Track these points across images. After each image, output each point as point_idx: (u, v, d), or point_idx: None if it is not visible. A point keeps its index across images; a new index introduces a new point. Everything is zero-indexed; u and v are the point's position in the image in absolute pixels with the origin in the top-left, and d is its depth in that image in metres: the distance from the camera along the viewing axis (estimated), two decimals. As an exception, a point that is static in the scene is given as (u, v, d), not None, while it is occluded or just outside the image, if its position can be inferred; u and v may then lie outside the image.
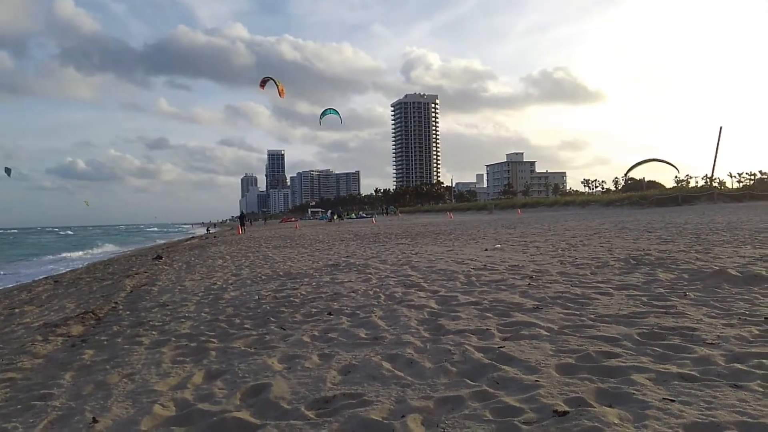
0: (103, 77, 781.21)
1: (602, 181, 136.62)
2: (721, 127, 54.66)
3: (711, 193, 47.35)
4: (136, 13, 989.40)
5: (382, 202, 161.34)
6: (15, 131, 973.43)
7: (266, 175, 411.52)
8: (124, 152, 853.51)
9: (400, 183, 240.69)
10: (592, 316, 4.66)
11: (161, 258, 17.76)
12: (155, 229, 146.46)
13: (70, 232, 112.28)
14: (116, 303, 7.85)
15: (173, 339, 4.99)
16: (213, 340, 4.84)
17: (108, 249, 40.34)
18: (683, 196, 47.11)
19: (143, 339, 5.10)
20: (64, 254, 34.56)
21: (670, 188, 59.86)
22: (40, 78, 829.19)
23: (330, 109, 37.91)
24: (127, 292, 9.11)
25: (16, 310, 8.67)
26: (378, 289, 6.93)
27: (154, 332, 5.39)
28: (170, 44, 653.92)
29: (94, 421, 3.00)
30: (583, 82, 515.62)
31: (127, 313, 6.82)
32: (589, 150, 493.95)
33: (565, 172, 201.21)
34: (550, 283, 6.56)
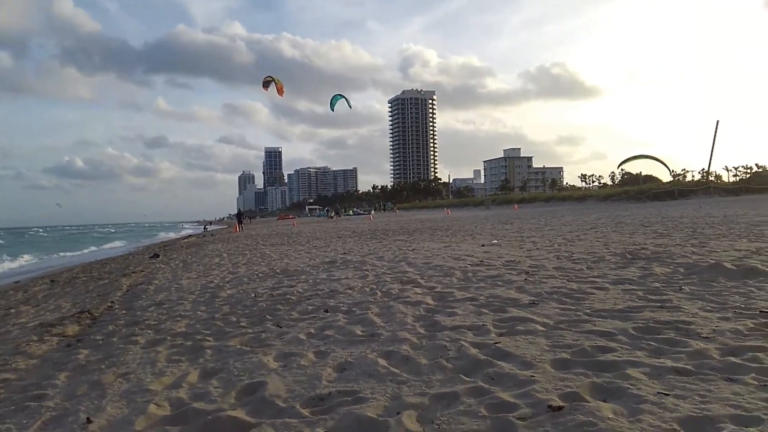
0: (103, 76, 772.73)
1: (599, 176, 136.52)
2: (717, 121, 54.93)
3: (707, 187, 47.52)
4: (129, 11, 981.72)
5: (380, 198, 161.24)
6: (13, 130, 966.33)
7: (264, 173, 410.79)
8: (122, 151, 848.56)
9: (398, 179, 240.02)
10: (588, 310, 4.67)
11: (158, 256, 17.72)
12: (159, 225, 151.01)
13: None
14: (112, 302, 7.83)
15: (169, 338, 4.97)
16: (209, 338, 4.83)
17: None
18: (680, 190, 47.28)
19: (139, 338, 5.08)
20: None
21: (667, 182, 59.98)
22: (40, 77, 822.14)
23: (338, 95, 37.38)
24: (123, 291, 9.09)
25: (12, 310, 8.63)
26: (375, 286, 6.92)
27: (149, 331, 5.38)
28: (170, 43, 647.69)
29: (89, 421, 2.99)
30: (580, 78, 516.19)
31: (123, 312, 6.81)
32: (586, 145, 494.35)
33: (562, 167, 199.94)
34: (546, 278, 6.56)
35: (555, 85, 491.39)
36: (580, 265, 7.53)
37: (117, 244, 42.43)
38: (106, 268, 15.57)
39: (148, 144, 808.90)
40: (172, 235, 58.36)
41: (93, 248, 36.78)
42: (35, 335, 5.80)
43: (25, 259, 27.44)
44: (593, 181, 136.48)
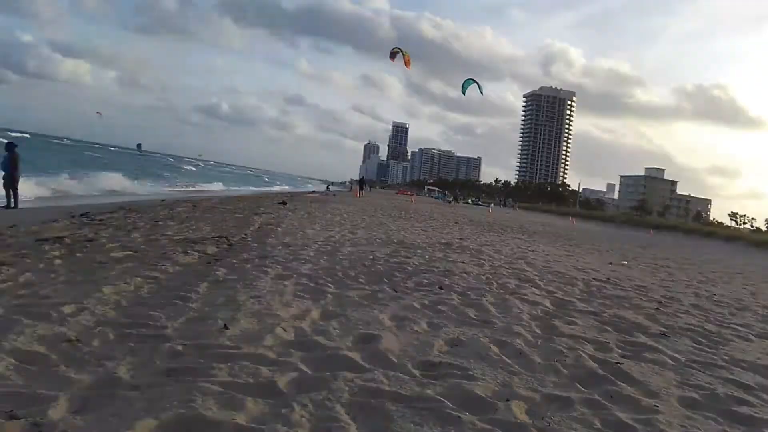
0: (255, 31, 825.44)
1: (752, 218, 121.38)
2: None
3: None
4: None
5: (502, 193, 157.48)
6: (172, 68, 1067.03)
7: (389, 146, 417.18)
8: (264, 102, 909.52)
9: (523, 177, 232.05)
10: (726, 357, 4.23)
11: (285, 204, 18.88)
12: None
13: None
14: (246, 234, 8.52)
15: (295, 276, 5.34)
16: (329, 285, 5.11)
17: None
18: None
19: (269, 270, 5.50)
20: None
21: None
22: (199, 24, 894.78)
23: (470, 79, 36.71)
24: (255, 228, 9.83)
25: (160, 223, 9.69)
26: (490, 276, 6.84)
27: (278, 266, 5.80)
28: (319, 9, 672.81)
29: (225, 327, 3.33)
30: (743, 105, 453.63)
31: (255, 245, 7.39)
32: (742, 180, 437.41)
33: (710, 200, 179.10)
34: (682, 313, 6.04)
35: (713, 107, 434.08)
36: (722, 308, 6.82)
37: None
38: (240, 205, 16.91)
39: (288, 100, 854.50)
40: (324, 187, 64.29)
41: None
42: (180, 248, 6.49)
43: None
44: (745, 222, 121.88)
